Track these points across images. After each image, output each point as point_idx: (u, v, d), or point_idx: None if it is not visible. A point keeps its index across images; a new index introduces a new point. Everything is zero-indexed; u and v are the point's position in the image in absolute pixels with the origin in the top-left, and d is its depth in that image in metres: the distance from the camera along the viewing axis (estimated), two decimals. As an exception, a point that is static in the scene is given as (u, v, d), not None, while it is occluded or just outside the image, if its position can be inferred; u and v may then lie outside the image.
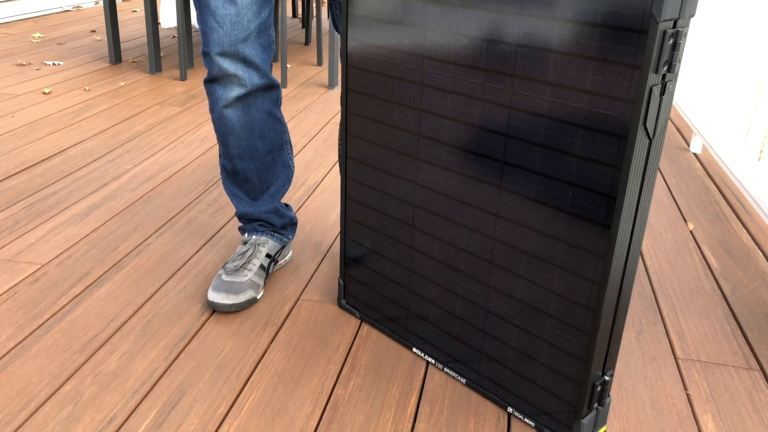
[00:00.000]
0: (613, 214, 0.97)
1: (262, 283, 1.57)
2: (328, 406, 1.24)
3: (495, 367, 1.23)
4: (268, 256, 1.60)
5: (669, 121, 2.98)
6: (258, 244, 1.60)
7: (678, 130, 2.88)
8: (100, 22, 4.98)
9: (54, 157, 2.38)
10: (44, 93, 3.13)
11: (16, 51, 3.97)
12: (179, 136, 2.65)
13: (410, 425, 1.21)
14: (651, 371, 1.37)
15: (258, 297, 1.55)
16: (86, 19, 5.06)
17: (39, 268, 1.67)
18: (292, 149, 1.63)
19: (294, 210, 2.04)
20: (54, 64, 3.68)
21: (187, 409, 1.22)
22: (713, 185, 2.30)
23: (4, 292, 1.56)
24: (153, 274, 1.66)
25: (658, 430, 1.22)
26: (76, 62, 3.74)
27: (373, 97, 1.27)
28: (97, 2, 5.81)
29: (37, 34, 4.42)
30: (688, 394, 1.31)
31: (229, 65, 1.40)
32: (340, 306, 1.53)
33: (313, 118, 2.94)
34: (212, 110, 1.48)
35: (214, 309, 1.50)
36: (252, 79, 1.43)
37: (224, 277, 1.53)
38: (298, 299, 1.58)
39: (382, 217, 1.34)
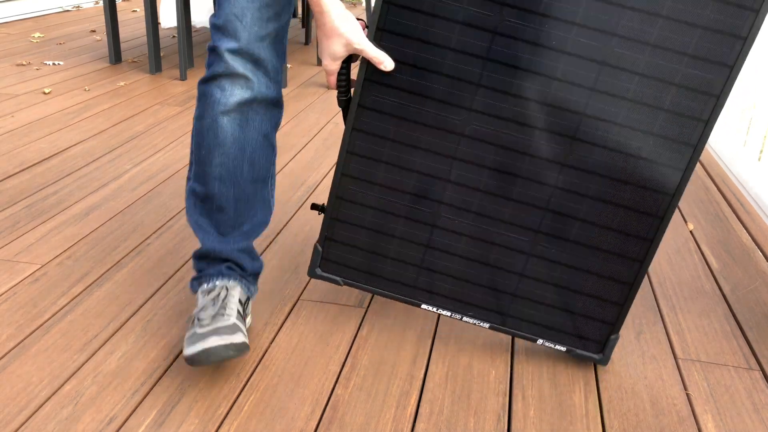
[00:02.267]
0: (700, 137, 1.17)
1: (246, 330, 1.29)
2: (328, 406, 1.24)
3: (527, 306, 1.33)
4: (240, 303, 1.32)
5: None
6: (228, 288, 1.31)
7: (678, 130, 2.88)
8: (100, 22, 4.98)
9: (54, 157, 2.38)
10: (44, 93, 3.13)
11: (16, 51, 3.97)
12: (179, 136, 2.65)
13: (410, 425, 1.21)
14: (651, 371, 1.37)
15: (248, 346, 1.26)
16: (86, 19, 5.06)
17: (39, 268, 1.67)
18: (275, 184, 1.43)
19: (294, 210, 2.04)
20: (54, 64, 3.68)
21: (187, 408, 1.22)
22: (713, 185, 2.30)
23: (4, 292, 1.56)
24: (153, 274, 1.66)
25: (658, 430, 1.22)
26: (76, 62, 3.74)
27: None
28: (97, 2, 5.82)
29: (37, 34, 4.43)
30: (688, 394, 1.31)
31: (238, 64, 1.23)
32: (313, 275, 1.39)
33: (313, 118, 2.94)
34: (201, 117, 1.27)
35: (203, 361, 1.19)
36: (260, 85, 1.25)
37: (200, 330, 1.22)
38: (298, 299, 1.58)
39: (403, 173, 1.28)
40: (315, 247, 1.38)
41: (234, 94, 1.24)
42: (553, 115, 1.20)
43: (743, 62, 1.14)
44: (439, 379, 1.33)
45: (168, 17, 4.66)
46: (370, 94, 1.24)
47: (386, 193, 1.31)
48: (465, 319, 1.36)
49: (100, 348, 1.38)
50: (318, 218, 1.99)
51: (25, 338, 1.40)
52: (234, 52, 1.22)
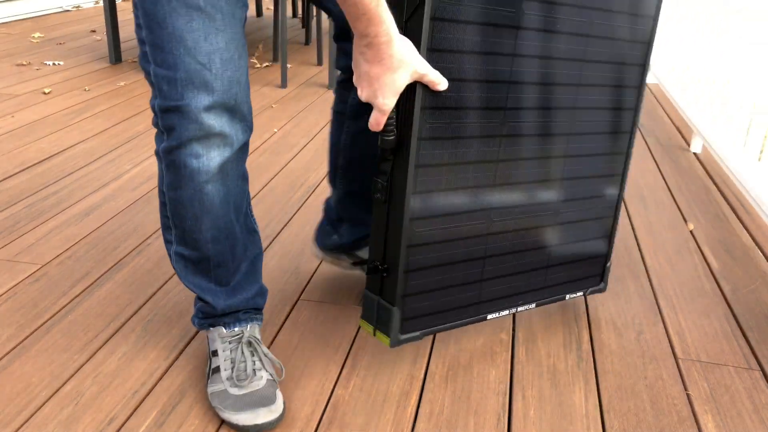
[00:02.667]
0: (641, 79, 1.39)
1: (274, 376, 1.25)
2: (328, 406, 1.24)
3: (558, 271, 1.44)
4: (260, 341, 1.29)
5: (669, 121, 2.98)
6: (250, 333, 1.25)
7: (678, 130, 2.88)
8: (100, 22, 4.98)
9: (54, 157, 2.38)
10: (44, 93, 3.13)
11: (16, 51, 3.97)
12: (179, 136, 2.65)
13: (410, 425, 1.21)
14: (651, 371, 1.37)
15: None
16: (86, 19, 5.06)
17: (39, 268, 1.67)
18: (251, 203, 1.29)
19: (294, 210, 2.04)
20: (54, 64, 3.69)
21: (187, 409, 1.22)
22: (713, 185, 2.30)
23: (5, 292, 1.56)
24: (153, 274, 1.66)
25: (658, 430, 1.22)
26: (76, 62, 3.74)
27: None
28: (97, 2, 5.81)
29: (37, 34, 4.42)
30: (688, 394, 1.31)
31: (214, 122, 1.04)
32: (397, 344, 1.25)
33: (313, 118, 2.94)
34: (177, 188, 1.09)
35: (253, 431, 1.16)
36: (238, 134, 1.08)
37: (236, 392, 1.19)
38: (298, 299, 1.58)
39: (459, 193, 1.22)
40: (387, 312, 1.23)
41: (212, 158, 1.07)
42: (560, 92, 1.30)
43: (660, 12, 1.37)
44: (439, 379, 1.33)
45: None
46: (425, 124, 1.13)
47: (447, 221, 1.23)
48: (519, 309, 1.41)
49: (100, 348, 1.38)
50: (317, 218, 1.99)
51: (25, 338, 1.40)
52: (208, 108, 1.02)
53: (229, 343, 1.24)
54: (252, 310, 1.28)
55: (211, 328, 1.26)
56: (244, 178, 1.18)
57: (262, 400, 1.18)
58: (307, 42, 4.44)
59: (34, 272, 1.65)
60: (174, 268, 1.24)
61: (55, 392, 1.26)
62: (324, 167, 2.38)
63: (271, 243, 1.83)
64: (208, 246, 1.16)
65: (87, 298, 1.55)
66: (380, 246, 1.21)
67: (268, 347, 1.40)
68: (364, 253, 1.56)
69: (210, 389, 1.22)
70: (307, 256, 1.77)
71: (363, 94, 1.05)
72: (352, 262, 1.56)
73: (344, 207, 1.51)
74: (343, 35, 1.32)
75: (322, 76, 3.67)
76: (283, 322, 1.48)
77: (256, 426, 1.15)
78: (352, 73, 1.29)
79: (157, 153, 1.11)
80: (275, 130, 2.77)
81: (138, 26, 1.00)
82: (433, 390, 1.29)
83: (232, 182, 1.13)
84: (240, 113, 1.08)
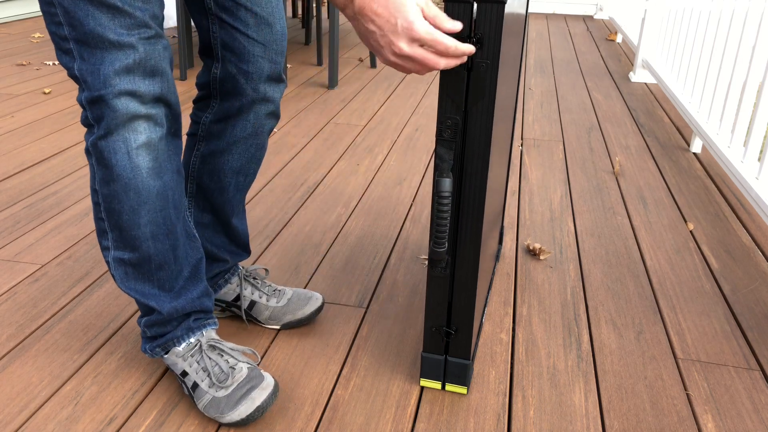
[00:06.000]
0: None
1: (251, 362, 1.26)
2: (328, 406, 1.24)
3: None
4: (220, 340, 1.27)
5: (669, 121, 2.98)
6: (207, 338, 1.23)
7: (678, 130, 2.88)
8: (100, 22, 4.97)
9: (54, 157, 2.38)
10: (44, 93, 3.13)
11: (16, 51, 3.97)
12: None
13: (410, 425, 1.21)
14: (651, 371, 1.37)
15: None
16: (86, 19, 5.06)
17: (39, 268, 1.67)
18: (188, 209, 1.28)
19: (294, 210, 2.04)
20: (54, 64, 3.68)
21: (187, 409, 1.22)
22: (713, 185, 2.30)
23: (4, 292, 1.56)
24: (153, 274, 1.66)
25: (658, 430, 1.22)
26: (76, 62, 3.73)
27: None
28: (97, 2, 5.81)
29: (37, 34, 4.42)
30: (688, 394, 1.31)
31: (137, 99, 1.05)
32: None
33: (313, 118, 2.94)
34: (111, 180, 1.08)
35: (257, 417, 1.17)
36: (163, 118, 1.10)
37: (222, 393, 1.18)
38: (298, 299, 1.57)
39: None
40: (461, 367, 1.27)
41: (139, 139, 1.07)
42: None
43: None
44: (439, 379, 1.33)
45: (168, 17, 4.66)
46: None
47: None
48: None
49: (100, 348, 1.38)
50: (317, 217, 1.98)
51: (25, 338, 1.40)
52: (128, 69, 1.03)
53: (191, 356, 1.21)
54: (201, 314, 1.24)
55: (165, 355, 1.23)
56: (179, 173, 1.15)
57: (249, 383, 1.18)
58: (307, 42, 4.44)
59: (34, 272, 1.65)
60: (113, 276, 1.18)
61: (55, 392, 1.26)
62: (324, 167, 2.38)
63: (271, 243, 1.83)
64: (148, 243, 1.13)
65: (87, 298, 1.55)
66: (442, 312, 1.24)
67: (268, 347, 1.40)
68: (225, 296, 1.43)
69: (200, 405, 1.19)
70: (308, 255, 1.77)
71: (394, 38, 0.97)
72: (220, 309, 1.45)
73: None
74: (208, 50, 1.24)
75: (322, 76, 3.67)
76: (283, 322, 1.48)
77: (258, 408, 1.16)
78: (209, 91, 1.26)
79: (87, 151, 1.10)
80: (275, 130, 2.77)
81: (56, 24, 1.00)
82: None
83: (167, 176, 1.11)
84: (164, 100, 1.07)
